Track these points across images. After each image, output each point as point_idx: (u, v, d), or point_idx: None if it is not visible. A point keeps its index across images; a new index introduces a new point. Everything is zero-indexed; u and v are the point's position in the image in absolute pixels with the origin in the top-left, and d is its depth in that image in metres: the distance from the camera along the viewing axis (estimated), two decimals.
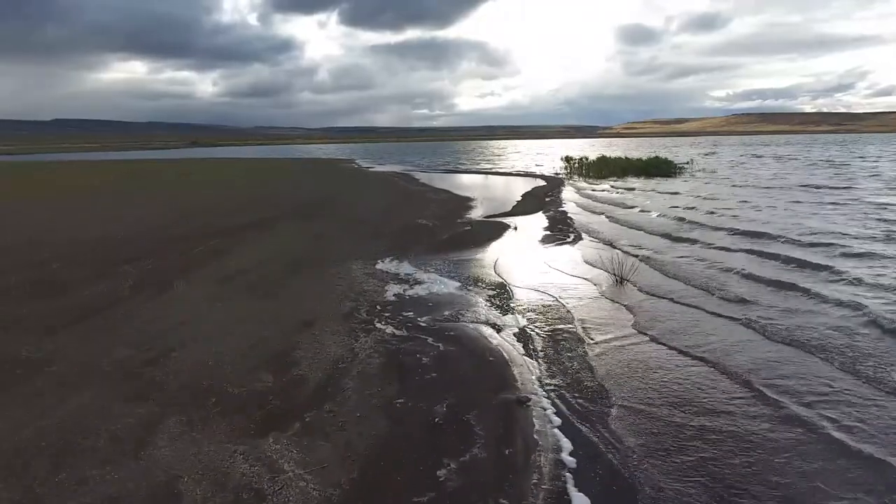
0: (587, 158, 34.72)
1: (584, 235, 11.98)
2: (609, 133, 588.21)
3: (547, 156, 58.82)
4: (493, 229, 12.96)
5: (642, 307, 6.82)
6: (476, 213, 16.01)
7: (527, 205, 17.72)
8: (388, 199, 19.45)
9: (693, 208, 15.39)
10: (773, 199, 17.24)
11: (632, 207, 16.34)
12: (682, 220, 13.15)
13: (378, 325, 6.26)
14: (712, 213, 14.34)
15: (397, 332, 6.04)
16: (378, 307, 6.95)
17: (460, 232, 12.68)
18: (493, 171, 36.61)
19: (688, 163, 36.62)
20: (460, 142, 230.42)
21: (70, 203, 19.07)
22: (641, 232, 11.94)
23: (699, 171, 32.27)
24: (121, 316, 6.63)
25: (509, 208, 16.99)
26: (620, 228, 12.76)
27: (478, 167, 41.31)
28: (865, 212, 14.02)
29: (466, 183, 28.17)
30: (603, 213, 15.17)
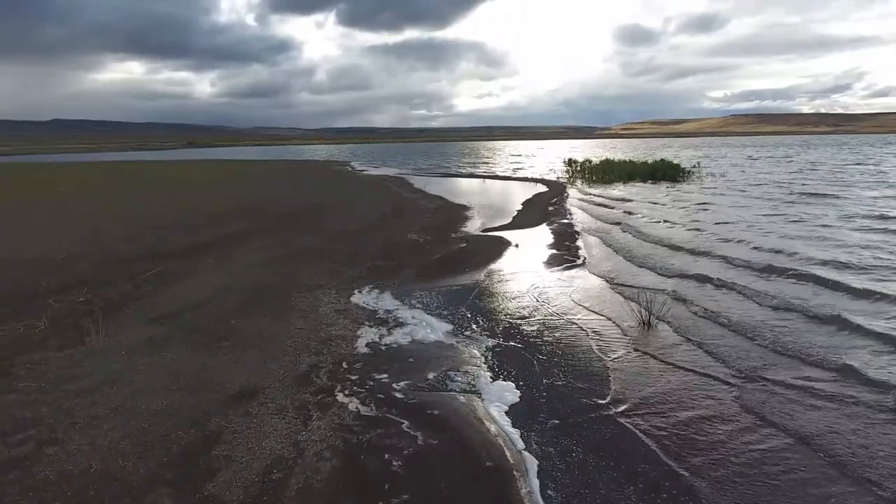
0: (590, 162, 33.29)
1: (592, 256, 10.52)
2: (608, 133, 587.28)
3: (535, 156, 57.43)
4: (491, 246, 11.48)
5: (661, 378, 5.26)
6: (473, 226, 14.54)
7: (528, 215, 16.25)
8: (378, 208, 17.95)
9: (703, 226, 13.66)
10: (789, 212, 15.62)
11: (639, 223, 14.87)
12: (692, 251, 11.07)
13: (339, 398, 4.76)
14: (726, 235, 12.30)
15: (363, 410, 4.54)
16: (344, 365, 5.46)
17: (455, 250, 11.19)
18: (492, 174, 35.11)
19: (694, 166, 35.14)
20: (458, 142, 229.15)
21: (25, 212, 17.53)
22: (651, 262, 10.33)
23: (707, 175, 30.96)
24: (12, 380, 5.12)
25: (509, 219, 15.52)
26: (631, 249, 11.28)
27: (475, 171, 39.88)
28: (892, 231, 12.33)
29: (463, 188, 26.72)
30: (610, 230, 13.69)
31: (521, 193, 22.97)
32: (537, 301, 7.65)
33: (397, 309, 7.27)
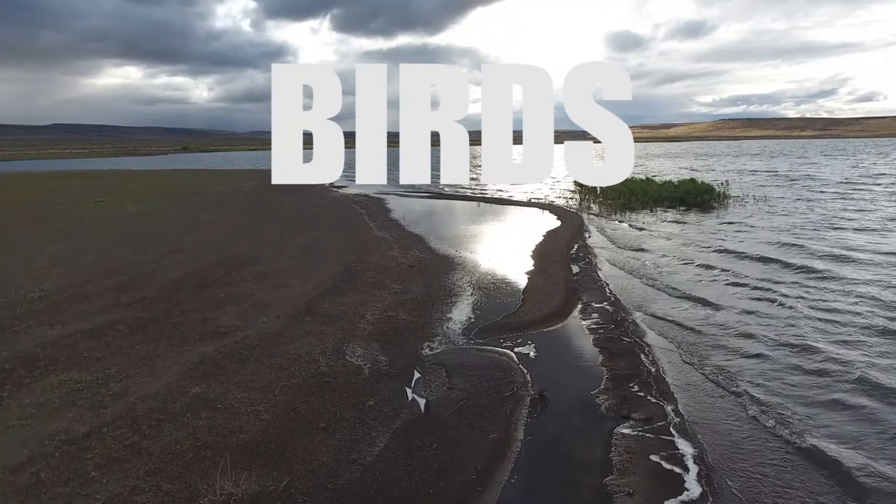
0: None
1: (707, 460, 5.03)
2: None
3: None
4: (492, 405, 5.95)
5: None
6: (460, 314, 9.08)
7: (546, 287, 10.70)
8: (327, 267, 12.37)
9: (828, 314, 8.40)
10: None
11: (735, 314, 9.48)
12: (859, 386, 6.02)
13: None
14: None
15: None
16: None
17: (418, 447, 5.63)
18: (490, 196, 29.29)
19: (723, 184, 29.72)
20: None
21: None
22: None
23: (744, 197, 26.03)
24: None
25: (518, 299, 9.99)
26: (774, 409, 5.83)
27: (467, 188, 34.20)
28: None
29: (454, 220, 21.07)
30: (698, 327, 8.24)
31: (528, 231, 17.43)
32: None
33: None
